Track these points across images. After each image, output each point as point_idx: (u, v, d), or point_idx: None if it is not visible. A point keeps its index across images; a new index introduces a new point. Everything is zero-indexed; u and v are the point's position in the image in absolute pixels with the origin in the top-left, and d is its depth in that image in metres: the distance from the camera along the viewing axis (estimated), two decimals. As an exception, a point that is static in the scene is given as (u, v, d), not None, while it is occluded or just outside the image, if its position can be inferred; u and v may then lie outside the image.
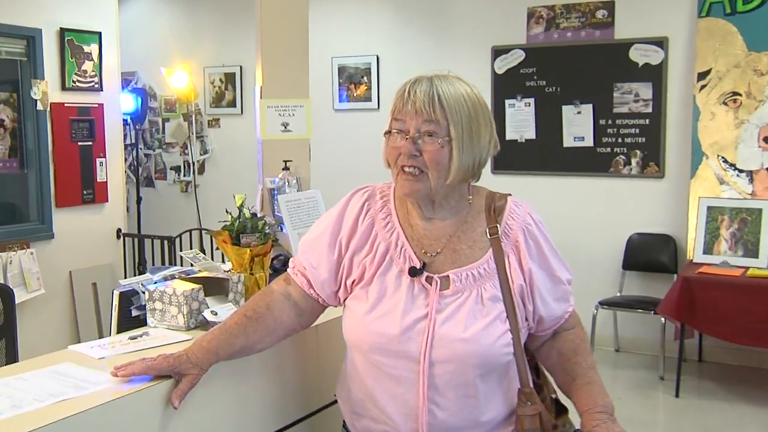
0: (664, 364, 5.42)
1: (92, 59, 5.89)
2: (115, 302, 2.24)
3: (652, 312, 5.42)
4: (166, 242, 6.12)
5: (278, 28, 4.84)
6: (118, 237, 6.20)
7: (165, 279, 2.37)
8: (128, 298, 2.26)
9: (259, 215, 3.04)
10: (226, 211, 2.38)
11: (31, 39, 5.49)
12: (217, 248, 2.37)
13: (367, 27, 7.02)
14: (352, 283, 1.71)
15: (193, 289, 2.12)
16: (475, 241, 1.67)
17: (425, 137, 1.58)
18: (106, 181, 6.04)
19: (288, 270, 1.84)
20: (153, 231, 7.18)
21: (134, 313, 2.23)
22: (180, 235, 6.06)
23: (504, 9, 6.27)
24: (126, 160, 8.01)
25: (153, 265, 5.78)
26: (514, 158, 6.27)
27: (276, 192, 4.60)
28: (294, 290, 1.80)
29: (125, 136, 8.00)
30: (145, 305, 2.18)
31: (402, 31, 6.83)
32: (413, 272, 1.63)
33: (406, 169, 1.61)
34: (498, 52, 6.30)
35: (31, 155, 5.57)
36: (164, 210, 8.15)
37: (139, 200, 7.61)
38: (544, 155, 6.19)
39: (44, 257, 5.54)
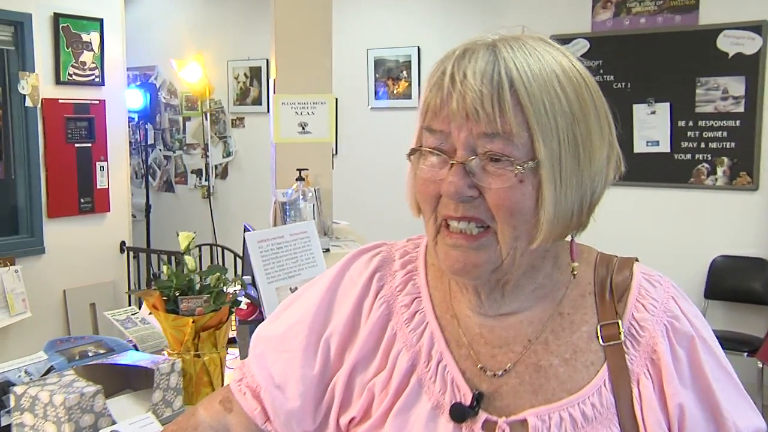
0: (763, 413, 4.47)
1: (92, 49, 5.18)
2: (-21, 402, 1.46)
3: (745, 353, 4.49)
4: (174, 258, 5.37)
5: (297, 12, 4.07)
6: (122, 251, 5.49)
7: (70, 360, 1.58)
8: (2, 392, 1.47)
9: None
10: (163, 261, 1.57)
11: (19, 25, 4.79)
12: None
13: (407, 15, 6.22)
14: (349, 422, 1.02)
15: (83, 393, 1.32)
16: (576, 351, 0.97)
17: (487, 163, 0.90)
18: (108, 188, 5.33)
19: (230, 383, 1.13)
20: (170, 242, 6.46)
21: (3, 421, 1.44)
22: (190, 250, 5.30)
23: (565, -9, 5.39)
24: (145, 162, 7.35)
25: (105, 312, 5.04)
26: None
27: (288, 207, 3.82)
28: (236, 422, 1.09)
29: (144, 136, 7.33)
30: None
31: (446, 20, 6.00)
32: (458, 413, 0.95)
33: (454, 224, 0.93)
34: (558, 41, 5.42)
35: (19, 158, 4.88)
36: (184, 218, 7.44)
37: (148, 209, 6.88)
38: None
39: (32, 275, 4.85)
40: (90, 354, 1.61)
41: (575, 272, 1.00)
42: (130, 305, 5.52)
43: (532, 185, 0.89)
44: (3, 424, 1.42)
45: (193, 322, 1.51)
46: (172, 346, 1.55)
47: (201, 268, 5.26)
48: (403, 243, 1.11)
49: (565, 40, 5.38)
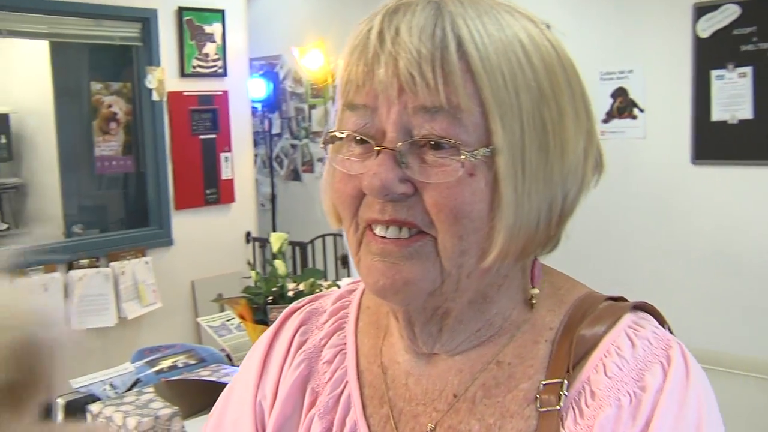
0: None
1: (215, 41, 5.19)
2: (60, 418, 1.36)
3: None
4: (298, 248, 5.34)
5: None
6: (248, 241, 5.51)
7: (158, 373, 1.47)
8: (80, 411, 1.37)
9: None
10: (249, 264, 1.45)
11: (146, 21, 4.86)
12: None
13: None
14: None
15: (157, 418, 1.19)
16: (504, 416, 0.73)
17: (426, 150, 0.68)
18: (233, 179, 5.36)
19: None
20: (295, 231, 6.47)
21: (85, 439, 1.34)
22: (312, 241, 5.26)
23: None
24: (272, 151, 7.40)
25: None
26: (722, 144, 4.91)
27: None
28: None
29: (270, 125, 7.38)
30: None
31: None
32: None
33: (379, 229, 0.71)
34: (702, 9, 4.94)
35: (148, 152, 4.97)
36: (309, 206, 7.44)
37: (273, 198, 6.91)
38: (765, 140, 4.77)
39: (162, 266, 4.93)
40: (180, 366, 1.49)
41: (534, 300, 0.76)
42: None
43: (485, 181, 0.67)
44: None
45: (283, 333, 1.36)
46: (263, 359, 1.41)
47: (325, 260, 5.17)
48: (344, 287, 0.91)
49: (710, 6, 4.91)
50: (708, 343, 4.42)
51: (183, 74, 5.05)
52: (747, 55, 4.79)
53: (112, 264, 4.66)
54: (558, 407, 0.70)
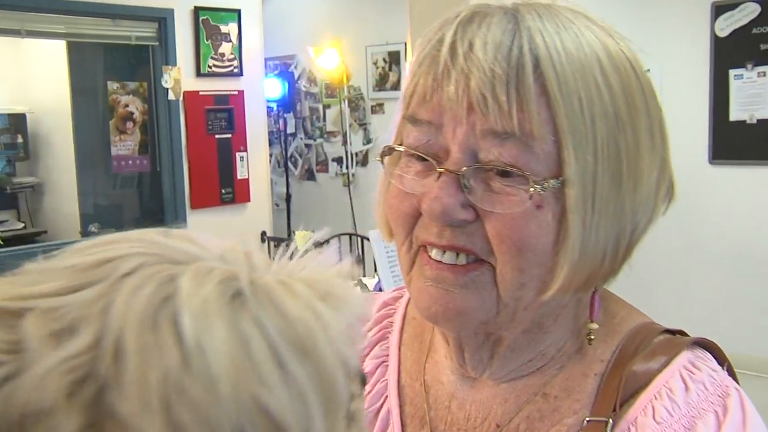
0: None
1: (230, 41, 5.21)
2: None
3: None
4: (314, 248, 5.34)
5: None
6: (263, 241, 5.52)
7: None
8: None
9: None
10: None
11: (162, 21, 4.89)
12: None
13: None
14: None
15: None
16: None
17: (492, 176, 0.64)
18: (248, 178, 5.38)
19: None
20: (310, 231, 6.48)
21: None
22: (328, 241, 5.25)
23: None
24: (287, 151, 7.41)
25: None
26: (740, 144, 4.87)
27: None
28: None
29: (285, 125, 7.38)
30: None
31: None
32: None
33: (435, 252, 0.66)
34: (721, 8, 4.90)
35: (164, 151, 4.99)
36: (325, 206, 7.45)
37: (288, 198, 6.92)
38: (784, 140, 4.74)
39: (178, 265, 4.94)
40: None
41: (592, 336, 0.71)
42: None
43: (552, 213, 0.64)
44: None
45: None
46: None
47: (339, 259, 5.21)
48: (388, 293, 0.87)
49: (728, 5, 4.86)
50: (727, 344, 4.38)
51: (199, 74, 5.06)
52: (767, 54, 4.75)
53: (129, 263, 4.68)
54: (606, 423, 0.67)
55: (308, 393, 0.36)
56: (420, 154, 0.66)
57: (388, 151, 0.69)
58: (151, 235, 0.41)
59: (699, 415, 0.66)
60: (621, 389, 0.67)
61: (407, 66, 3.94)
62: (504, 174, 0.62)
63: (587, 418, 0.68)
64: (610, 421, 0.66)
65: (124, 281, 0.37)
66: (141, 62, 4.96)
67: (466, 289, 0.65)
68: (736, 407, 0.66)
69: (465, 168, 0.63)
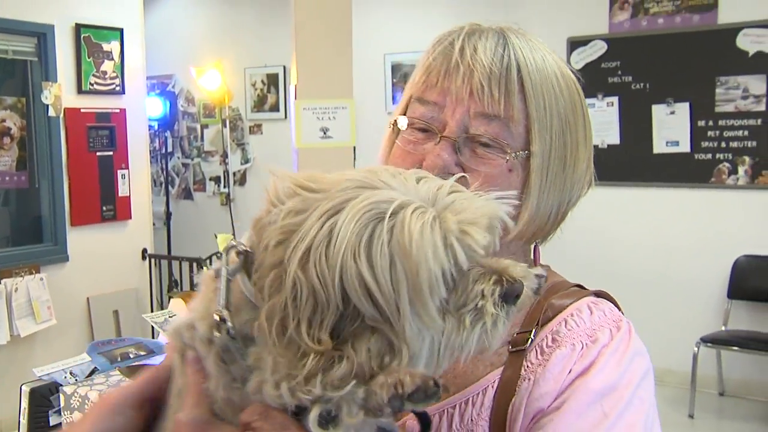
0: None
1: (113, 59, 5.22)
2: (24, 404, 1.48)
3: (770, 353, 4.48)
4: (195, 264, 5.41)
5: (317, 17, 4.09)
6: (144, 258, 5.53)
7: (112, 362, 1.60)
8: (43, 397, 1.49)
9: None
10: (204, 265, 1.59)
11: (42, 36, 4.85)
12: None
13: (423, 19, 6.22)
14: None
15: (131, 393, 1.32)
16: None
17: (477, 145, 0.87)
18: (129, 196, 5.37)
19: None
20: (189, 249, 6.51)
21: (52, 420, 1.46)
22: (210, 257, 5.35)
23: (582, -7, 5.38)
24: (162, 170, 7.39)
25: (143, 315, 5.07)
26: (594, 167, 5.36)
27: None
28: None
29: (163, 143, 7.38)
30: (60, 410, 1.41)
31: (464, 22, 5.98)
32: None
33: None
34: (575, 44, 5.42)
35: (43, 168, 4.93)
36: (202, 225, 7.47)
37: (168, 216, 6.93)
38: (630, 163, 5.28)
39: (57, 283, 4.89)
40: (131, 356, 1.63)
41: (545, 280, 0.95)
42: (152, 311, 5.55)
43: (518, 177, 0.88)
44: (52, 424, 1.44)
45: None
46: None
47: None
48: None
49: (582, 42, 5.38)
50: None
51: (80, 91, 5.05)
52: (613, 87, 5.29)
53: (5, 281, 4.58)
54: (524, 347, 0.86)
55: (400, 281, 0.58)
56: (424, 125, 0.88)
57: (396, 121, 0.92)
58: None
59: (599, 329, 0.87)
60: (542, 314, 0.89)
61: (291, 89, 4.09)
62: (486, 145, 0.86)
63: (516, 331, 0.89)
64: (533, 330, 0.88)
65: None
66: (19, 77, 4.89)
67: None
68: (626, 327, 0.88)
69: (460, 135, 0.86)
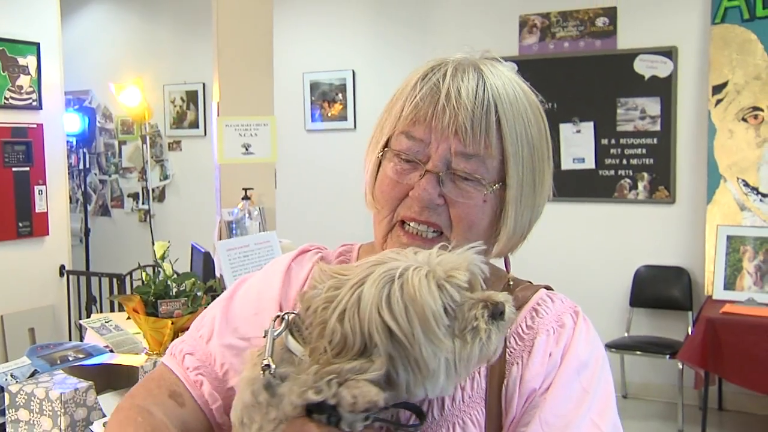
0: (683, 414, 4.76)
1: (29, 73, 5.18)
2: (-31, 404, 1.54)
3: (667, 356, 4.79)
4: (115, 280, 5.39)
5: (238, 37, 4.20)
6: (62, 275, 5.47)
7: (53, 364, 1.68)
8: (-11, 396, 1.56)
9: (215, 256, 2.38)
10: (139, 266, 1.70)
11: (-45, 50, 4.78)
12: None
13: (342, 40, 6.39)
14: None
15: (77, 389, 1.43)
16: None
17: (458, 178, 0.97)
18: (47, 212, 5.31)
19: (177, 371, 1.06)
20: (107, 266, 6.45)
21: (-5, 420, 1.53)
22: (131, 273, 5.34)
23: (493, 17, 5.66)
24: (79, 186, 7.30)
25: (79, 321, 5.03)
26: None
27: (235, 226, 3.93)
28: (192, 419, 1.04)
29: (78, 160, 7.29)
30: (4, 410, 1.48)
31: (380, 43, 6.20)
32: None
33: (412, 225, 1.00)
34: (487, 64, 5.67)
35: (-44, 183, 4.84)
36: (121, 241, 7.41)
37: (87, 232, 6.86)
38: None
39: (-30, 301, 4.80)
40: (70, 358, 1.71)
41: (511, 282, 1.08)
42: (70, 332, 5.50)
43: (492, 206, 0.99)
44: (-5, 423, 1.51)
45: (171, 323, 1.63)
46: (152, 347, 1.66)
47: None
48: (339, 247, 1.17)
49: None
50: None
51: (-5, 105, 4.99)
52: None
53: None
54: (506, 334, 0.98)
55: (413, 319, 0.81)
56: (409, 158, 0.98)
57: (383, 151, 1.01)
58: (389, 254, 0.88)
59: (562, 315, 1.01)
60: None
61: (213, 106, 4.17)
62: (465, 179, 0.97)
63: None
64: (509, 330, 0.99)
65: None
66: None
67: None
68: (581, 313, 1.03)
69: (442, 169, 0.96)
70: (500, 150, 0.97)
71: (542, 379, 0.97)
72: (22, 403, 1.42)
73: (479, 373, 0.98)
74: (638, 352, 5.07)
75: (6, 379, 1.59)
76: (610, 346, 5.00)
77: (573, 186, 5.46)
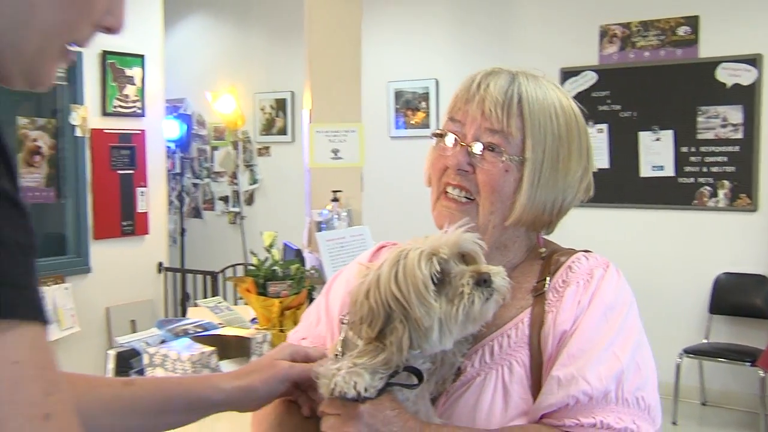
0: (765, 424, 4.76)
1: (134, 83, 5.59)
2: (110, 365, 1.80)
3: (748, 363, 4.80)
4: (209, 277, 5.73)
5: (329, 47, 4.46)
6: (159, 271, 5.85)
7: (176, 335, 1.93)
8: (126, 359, 1.82)
9: (306, 253, 2.61)
10: (251, 253, 1.94)
11: (71, 63, 5.19)
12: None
13: (425, 49, 6.60)
14: None
15: (203, 352, 1.66)
16: (513, 299, 1.17)
17: (485, 150, 1.19)
18: (147, 212, 5.70)
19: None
20: (199, 264, 6.83)
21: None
22: (224, 270, 5.68)
23: (574, 28, 5.77)
24: (173, 189, 7.73)
25: (195, 301, 5.39)
26: (585, 189, 5.73)
27: (324, 226, 4.17)
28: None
29: (174, 164, 7.72)
30: (142, 370, 1.74)
31: (463, 53, 6.38)
32: None
33: (450, 191, 1.22)
34: (567, 74, 5.80)
35: (69, 184, 5.26)
36: (212, 242, 7.81)
37: (182, 232, 7.26)
38: (619, 186, 5.64)
39: (80, 292, 5.20)
40: (190, 331, 1.96)
41: (543, 255, 1.25)
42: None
43: (514, 176, 1.18)
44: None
45: (279, 302, 1.85)
46: (261, 322, 1.89)
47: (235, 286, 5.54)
48: (409, 240, 1.36)
49: (574, 72, 5.76)
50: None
51: (104, 113, 5.40)
52: (603, 115, 5.67)
53: (33, 289, 4.89)
54: (543, 291, 1.19)
55: (410, 286, 1.02)
56: (453, 136, 1.21)
57: (437, 134, 1.24)
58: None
59: (594, 268, 1.19)
60: (551, 266, 1.21)
61: (305, 113, 4.44)
62: (491, 150, 1.18)
63: (535, 282, 1.21)
64: (548, 279, 1.20)
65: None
66: (50, 100, 5.24)
67: (462, 213, 1.19)
68: (613, 267, 1.21)
69: (472, 143, 1.19)
70: (521, 131, 1.17)
71: (572, 322, 1.14)
72: (158, 363, 1.67)
73: (523, 322, 1.18)
74: (718, 359, 5.08)
75: (141, 345, 1.85)
76: (688, 352, 5.04)
77: (652, 193, 5.52)
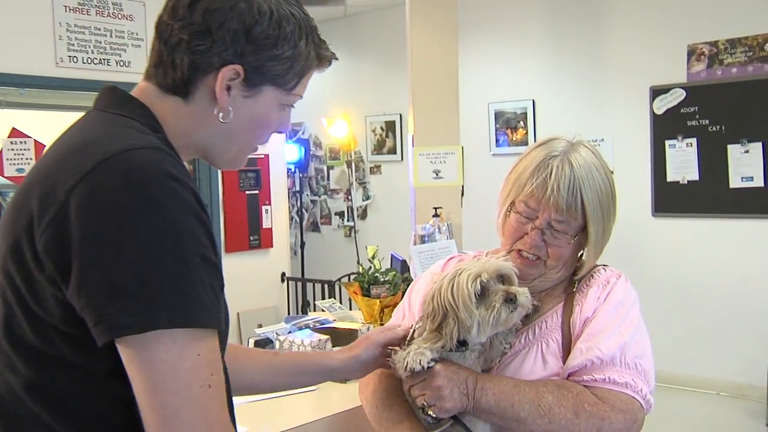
0: None
1: (260, 114, 6.27)
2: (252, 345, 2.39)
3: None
4: (326, 285, 6.36)
5: (429, 77, 4.97)
6: (283, 280, 6.52)
7: (300, 328, 2.50)
8: (262, 346, 2.41)
9: (410, 262, 3.11)
10: (358, 263, 2.48)
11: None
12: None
13: (522, 71, 7.00)
14: None
15: (320, 339, 2.22)
16: (550, 297, 1.67)
17: (553, 231, 1.58)
18: (271, 228, 6.39)
19: None
20: (317, 274, 7.48)
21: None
22: (339, 279, 6.30)
23: (662, 47, 6.05)
24: (293, 206, 8.45)
25: (315, 308, 6.03)
26: (676, 200, 6.00)
27: (427, 239, 4.69)
28: None
29: (293, 183, 8.44)
30: (276, 353, 2.31)
31: (558, 74, 6.75)
32: None
33: (524, 254, 1.61)
34: (657, 92, 6.08)
35: (205, 204, 6.00)
36: (329, 254, 8.47)
37: (302, 245, 7.96)
38: (709, 196, 5.87)
39: (215, 299, 5.90)
40: (311, 325, 2.52)
41: (578, 269, 1.70)
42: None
43: (573, 247, 1.61)
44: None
45: (380, 302, 2.38)
46: (366, 318, 2.43)
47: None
48: (476, 252, 1.84)
49: (663, 90, 6.04)
50: (671, 365, 5.40)
51: (234, 141, 6.12)
52: (692, 129, 5.92)
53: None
54: (573, 290, 1.64)
55: (458, 298, 1.48)
56: (526, 216, 1.60)
57: (511, 209, 1.62)
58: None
59: (610, 277, 1.65)
60: (576, 282, 1.66)
61: (408, 137, 4.96)
62: (558, 230, 1.57)
63: (565, 285, 1.68)
64: (576, 283, 1.65)
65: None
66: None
67: (533, 269, 1.62)
68: (624, 276, 1.66)
69: (543, 226, 1.58)
70: (583, 216, 1.57)
71: (592, 312, 1.59)
72: (286, 347, 2.24)
73: (557, 312, 1.62)
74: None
75: (273, 335, 2.43)
76: (778, 357, 5.22)
77: (742, 203, 5.72)
